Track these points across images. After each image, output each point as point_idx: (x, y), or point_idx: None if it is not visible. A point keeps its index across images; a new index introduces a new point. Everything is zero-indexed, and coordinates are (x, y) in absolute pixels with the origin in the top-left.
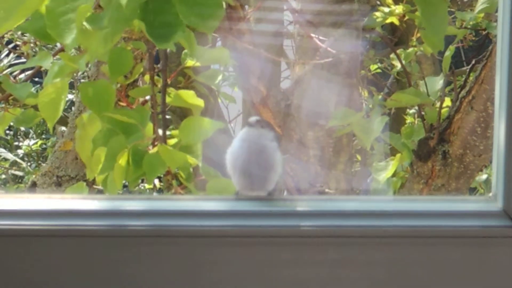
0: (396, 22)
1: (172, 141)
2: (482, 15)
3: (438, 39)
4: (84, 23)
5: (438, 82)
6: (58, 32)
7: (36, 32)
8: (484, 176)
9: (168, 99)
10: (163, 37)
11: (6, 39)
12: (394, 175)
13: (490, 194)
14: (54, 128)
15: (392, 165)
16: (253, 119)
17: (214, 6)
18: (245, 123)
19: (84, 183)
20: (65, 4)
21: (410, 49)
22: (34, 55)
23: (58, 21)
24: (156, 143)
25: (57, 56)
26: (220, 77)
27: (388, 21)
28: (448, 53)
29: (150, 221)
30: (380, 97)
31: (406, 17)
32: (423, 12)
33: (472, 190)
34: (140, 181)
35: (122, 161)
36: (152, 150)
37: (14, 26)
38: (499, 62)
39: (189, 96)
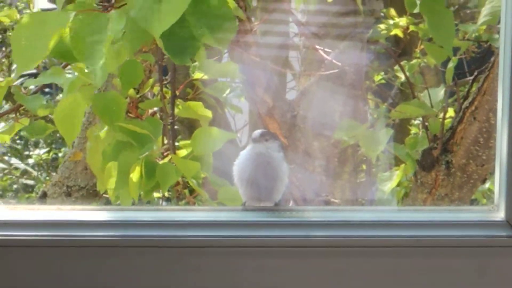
0: (400, 34)
1: (181, 152)
2: (484, 27)
3: (447, 47)
4: None
5: (439, 93)
6: (85, 55)
7: (61, 55)
8: (486, 186)
9: (176, 110)
10: (180, 53)
11: None
12: (398, 184)
13: (491, 205)
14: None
15: (396, 176)
16: (257, 132)
17: (225, 18)
18: (251, 134)
19: None
20: (90, 26)
21: (414, 61)
22: (44, 66)
23: (84, 42)
24: (166, 153)
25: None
26: (228, 91)
27: (392, 33)
28: (451, 65)
29: (159, 231)
30: (384, 107)
31: (410, 29)
32: (430, 21)
33: (472, 202)
34: None
35: (135, 174)
36: (164, 160)
37: (44, 57)
38: (501, 73)
39: (198, 107)
